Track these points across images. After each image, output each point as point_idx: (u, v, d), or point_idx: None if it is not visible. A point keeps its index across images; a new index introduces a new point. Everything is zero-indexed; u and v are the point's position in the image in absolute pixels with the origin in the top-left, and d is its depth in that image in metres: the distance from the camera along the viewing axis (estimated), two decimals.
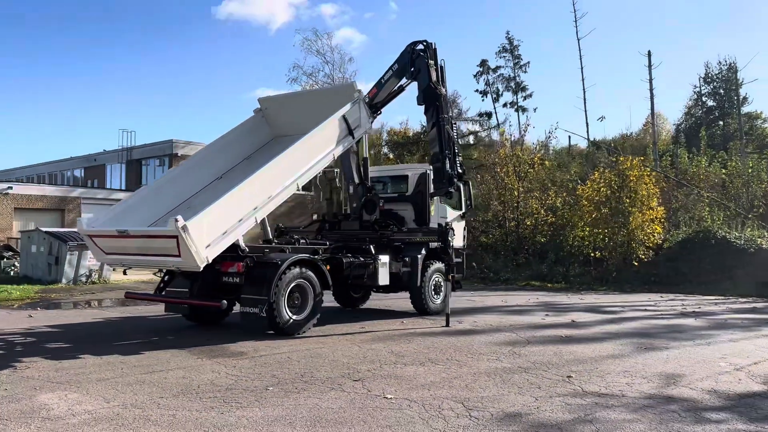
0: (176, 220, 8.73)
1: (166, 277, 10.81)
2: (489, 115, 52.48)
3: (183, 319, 11.51)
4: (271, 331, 10.26)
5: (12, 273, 22.45)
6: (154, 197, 11.44)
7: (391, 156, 48.36)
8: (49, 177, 46.77)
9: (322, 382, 7.16)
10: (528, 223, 30.20)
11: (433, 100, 12.72)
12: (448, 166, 12.61)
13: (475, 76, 52.79)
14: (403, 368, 8.01)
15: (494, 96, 52.22)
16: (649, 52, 40.39)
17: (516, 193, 30.06)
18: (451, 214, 14.15)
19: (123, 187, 41.61)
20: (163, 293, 10.75)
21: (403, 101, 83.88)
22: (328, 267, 11.19)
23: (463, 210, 14.57)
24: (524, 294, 20.26)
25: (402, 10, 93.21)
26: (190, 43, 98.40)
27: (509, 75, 51.44)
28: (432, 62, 12.76)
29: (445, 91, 12.93)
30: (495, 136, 48.19)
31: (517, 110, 51.69)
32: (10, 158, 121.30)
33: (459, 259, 14.35)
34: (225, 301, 9.82)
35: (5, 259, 23.54)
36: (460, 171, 12.89)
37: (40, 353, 8.77)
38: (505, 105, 51.66)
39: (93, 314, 13.47)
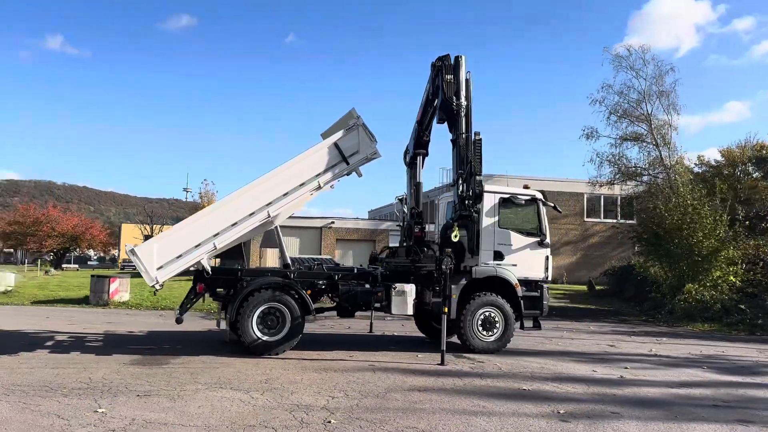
0: (126, 245, 10.40)
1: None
2: None
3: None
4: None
5: None
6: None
7: (756, 175, 41.46)
8: (390, 214, 53.31)
9: (111, 392, 7.87)
10: None
11: (451, 116, 11.74)
12: (461, 187, 11.41)
13: None
14: (212, 392, 8.07)
15: None
16: None
17: None
18: (519, 240, 12.48)
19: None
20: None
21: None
22: (309, 292, 11.38)
23: (541, 236, 12.67)
24: (727, 345, 15.84)
25: None
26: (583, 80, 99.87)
27: None
28: (450, 77, 11.79)
29: (466, 105, 11.74)
30: None
31: None
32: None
33: (536, 293, 12.55)
34: (180, 317, 11.07)
35: None
36: (477, 191, 11.46)
37: (51, 347, 11.38)
38: None
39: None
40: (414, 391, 8.51)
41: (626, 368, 11.07)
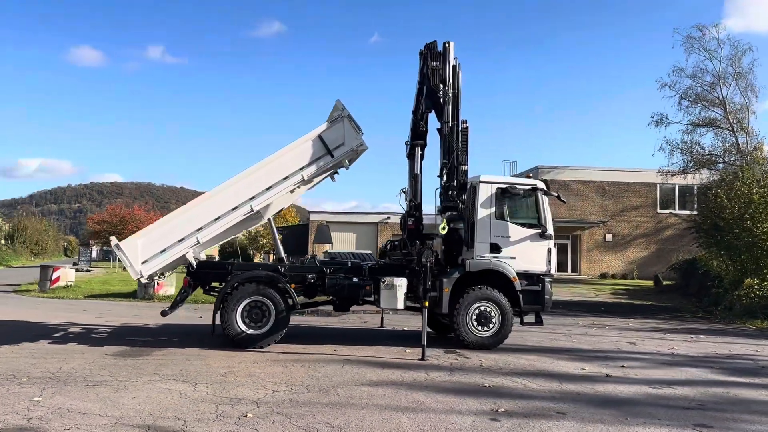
0: (110, 239, 10.76)
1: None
2: None
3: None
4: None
5: None
6: None
7: None
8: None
9: (66, 381, 8.15)
10: None
11: (437, 104, 11.37)
12: (445, 177, 11.04)
13: None
14: (163, 384, 8.19)
15: None
16: None
17: None
18: (518, 232, 11.93)
19: None
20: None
21: None
22: (294, 285, 11.36)
23: (543, 228, 12.04)
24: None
25: None
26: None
27: None
28: (436, 64, 11.41)
29: (451, 93, 11.31)
30: None
31: None
32: None
33: (537, 287, 11.97)
34: (164, 310, 11.31)
35: None
36: (462, 182, 11.04)
37: (56, 338, 11.91)
38: None
39: None
40: (364, 386, 8.30)
41: (623, 366, 10.38)
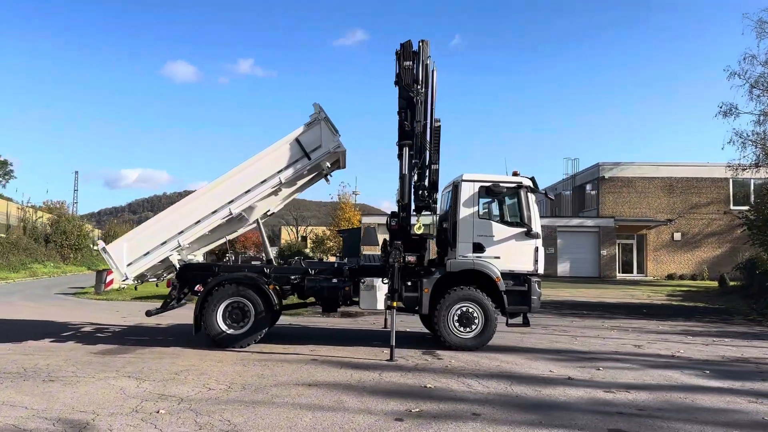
0: (97, 243, 11.34)
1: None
2: None
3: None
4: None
5: None
6: None
7: None
8: None
9: (28, 377, 8.68)
10: None
11: (410, 103, 11.27)
12: (415, 177, 10.92)
13: None
14: (113, 380, 8.57)
15: None
16: None
17: None
18: (502, 231, 11.66)
19: (569, 213, 42.92)
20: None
21: None
22: (272, 287, 11.54)
23: (528, 227, 11.68)
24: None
25: None
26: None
27: None
28: (408, 63, 11.30)
29: (424, 92, 11.17)
30: None
31: None
32: None
33: (523, 288, 11.66)
34: (149, 310, 11.76)
35: None
36: (433, 180, 10.88)
37: (62, 336, 12.63)
38: None
39: None
40: (301, 386, 8.35)
41: (598, 369, 9.93)
